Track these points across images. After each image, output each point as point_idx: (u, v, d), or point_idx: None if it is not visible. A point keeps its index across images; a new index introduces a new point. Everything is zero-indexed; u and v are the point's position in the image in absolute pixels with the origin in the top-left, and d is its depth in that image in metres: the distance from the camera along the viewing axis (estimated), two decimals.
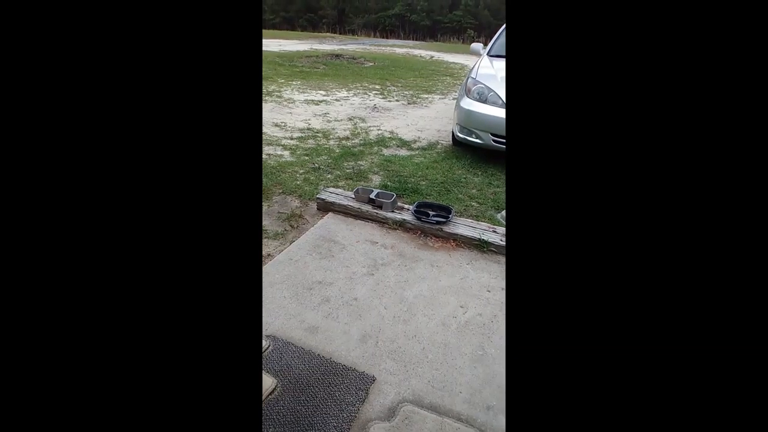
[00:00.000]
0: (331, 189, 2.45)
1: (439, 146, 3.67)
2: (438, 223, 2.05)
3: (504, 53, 3.65)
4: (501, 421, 1.07)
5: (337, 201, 2.27)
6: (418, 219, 2.08)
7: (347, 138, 3.81)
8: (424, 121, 4.63)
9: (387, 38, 24.53)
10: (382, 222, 2.16)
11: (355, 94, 6.03)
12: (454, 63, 11.33)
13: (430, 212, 2.13)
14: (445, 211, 2.14)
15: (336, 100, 5.59)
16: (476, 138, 3.07)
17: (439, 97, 6.29)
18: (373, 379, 1.18)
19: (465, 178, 2.89)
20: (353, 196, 2.29)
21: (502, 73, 3.16)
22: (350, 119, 4.54)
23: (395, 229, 2.12)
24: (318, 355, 1.25)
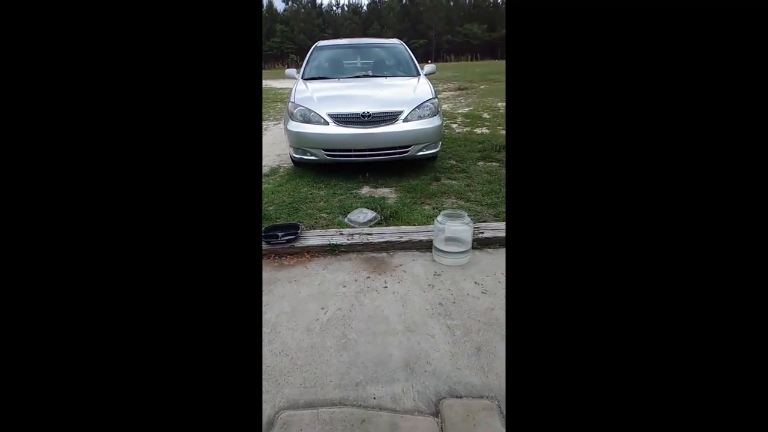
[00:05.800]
0: None
1: (281, 170, 3.74)
2: (288, 241, 2.14)
3: (316, 75, 3.94)
4: (370, 391, 1.22)
5: None
6: (269, 243, 2.13)
7: None
8: (263, 148, 4.64)
9: None
10: None
11: None
12: (282, 88, 11.52)
13: (279, 234, 2.19)
14: (293, 229, 2.24)
15: None
16: (311, 156, 3.26)
17: (273, 123, 6.35)
18: None
19: (311, 194, 3.04)
20: None
21: (318, 94, 3.42)
22: None
23: None
24: None
